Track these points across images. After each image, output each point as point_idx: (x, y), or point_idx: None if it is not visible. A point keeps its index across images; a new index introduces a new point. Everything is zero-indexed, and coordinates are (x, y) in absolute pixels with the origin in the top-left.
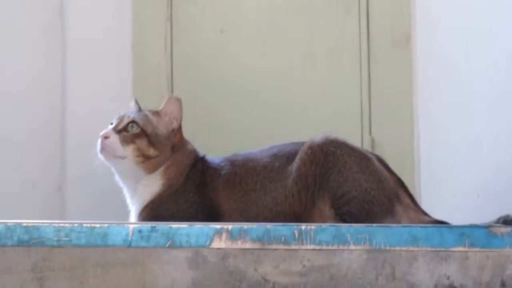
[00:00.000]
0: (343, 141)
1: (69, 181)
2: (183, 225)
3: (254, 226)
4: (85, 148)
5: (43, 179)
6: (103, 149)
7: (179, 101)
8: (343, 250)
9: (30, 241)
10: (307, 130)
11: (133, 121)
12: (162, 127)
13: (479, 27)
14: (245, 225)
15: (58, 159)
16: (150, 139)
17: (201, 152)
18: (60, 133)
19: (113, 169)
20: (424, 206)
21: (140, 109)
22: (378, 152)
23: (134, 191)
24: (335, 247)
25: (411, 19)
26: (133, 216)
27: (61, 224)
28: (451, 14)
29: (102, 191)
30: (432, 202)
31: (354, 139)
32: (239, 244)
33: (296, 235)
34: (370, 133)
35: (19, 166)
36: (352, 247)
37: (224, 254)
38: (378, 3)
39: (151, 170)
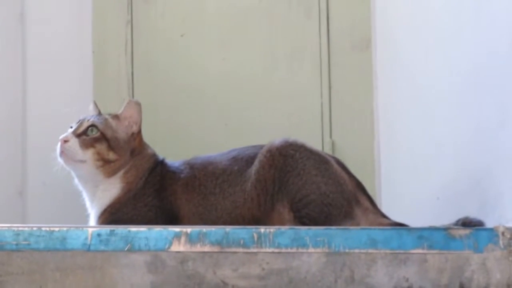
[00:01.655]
0: (302, 144)
1: (30, 185)
2: (142, 229)
3: (213, 229)
4: (46, 152)
5: (4, 184)
6: (62, 153)
7: (138, 105)
8: (302, 253)
9: None
10: (268, 133)
11: (92, 125)
12: (122, 131)
13: (438, 31)
14: (204, 229)
15: (19, 163)
16: (109, 143)
17: (161, 156)
18: (21, 137)
19: (72, 173)
20: (384, 208)
21: (99, 113)
22: (338, 155)
23: (93, 195)
24: (294, 250)
25: (371, 23)
26: (92, 220)
27: (20, 228)
28: (410, 18)
29: (64, 195)
30: (392, 205)
31: (314, 142)
32: (198, 248)
33: (255, 239)
34: (330, 136)
35: None
36: (311, 250)
37: (183, 258)
38: (338, 7)
39: (110, 174)
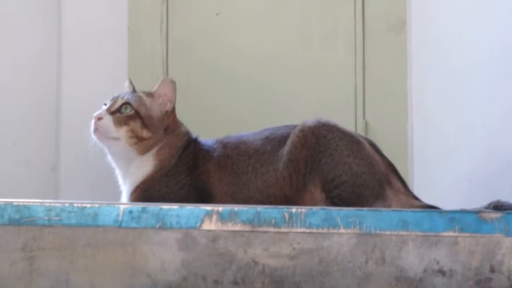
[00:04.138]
0: (335, 125)
1: (63, 161)
2: (174, 207)
3: (245, 208)
4: (80, 128)
5: (38, 158)
6: (96, 130)
7: (173, 83)
8: (333, 233)
9: (20, 220)
10: (301, 113)
11: (127, 103)
12: (156, 109)
13: (473, 13)
14: (236, 207)
15: (53, 139)
16: (143, 121)
17: (194, 134)
18: (55, 113)
19: (105, 150)
20: (416, 190)
21: (134, 90)
22: (371, 135)
23: (126, 172)
24: (325, 230)
25: (406, 4)
26: (124, 197)
27: (51, 204)
28: (446, 0)
29: (96, 171)
30: (424, 187)
31: (348, 123)
32: (230, 226)
33: (287, 218)
34: (364, 117)
35: (14, 146)
36: (342, 230)
37: (214, 236)
38: None
39: (143, 151)
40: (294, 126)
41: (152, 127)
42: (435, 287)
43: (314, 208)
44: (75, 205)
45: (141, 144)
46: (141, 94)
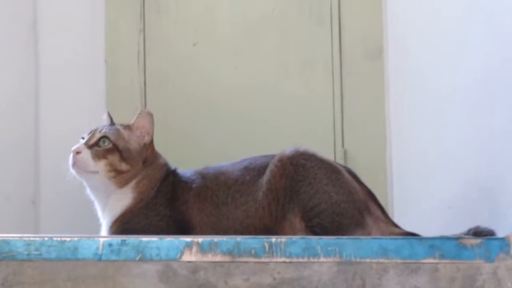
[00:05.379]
0: (313, 154)
1: (43, 194)
2: (154, 239)
3: (225, 239)
4: (59, 161)
5: (17, 192)
6: (74, 164)
7: (150, 115)
8: (313, 262)
9: (0, 255)
10: (280, 143)
11: (104, 136)
12: (134, 142)
13: (451, 40)
14: (216, 238)
15: (32, 172)
16: (122, 154)
17: (173, 165)
18: (34, 146)
19: (84, 183)
20: (396, 217)
21: (112, 123)
22: (350, 163)
23: (105, 205)
24: (305, 259)
25: (383, 31)
26: (104, 230)
27: (31, 238)
28: (423, 26)
29: (76, 205)
30: (404, 214)
31: (326, 151)
32: (210, 257)
33: (267, 248)
34: (342, 145)
35: None
36: (322, 259)
37: (194, 267)
38: (351, 16)
39: (122, 184)
40: (273, 156)
41: (131, 160)
42: None
43: (294, 237)
44: (54, 239)
45: (119, 177)
46: (119, 127)
